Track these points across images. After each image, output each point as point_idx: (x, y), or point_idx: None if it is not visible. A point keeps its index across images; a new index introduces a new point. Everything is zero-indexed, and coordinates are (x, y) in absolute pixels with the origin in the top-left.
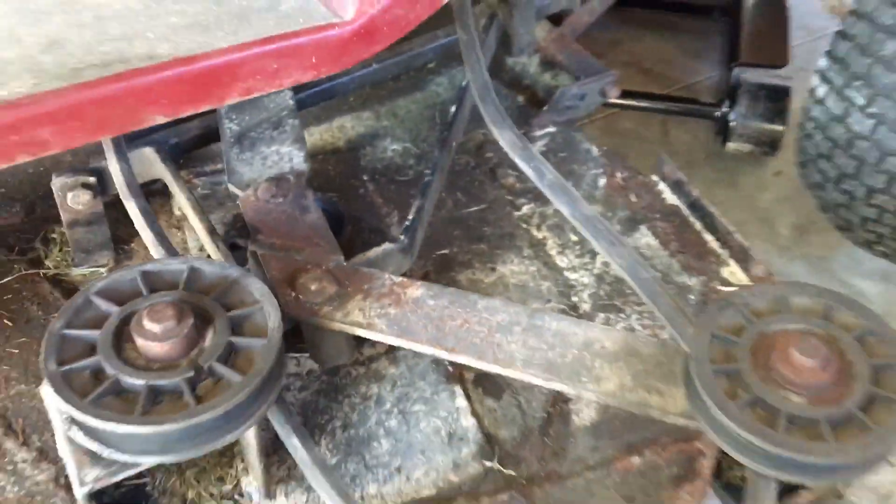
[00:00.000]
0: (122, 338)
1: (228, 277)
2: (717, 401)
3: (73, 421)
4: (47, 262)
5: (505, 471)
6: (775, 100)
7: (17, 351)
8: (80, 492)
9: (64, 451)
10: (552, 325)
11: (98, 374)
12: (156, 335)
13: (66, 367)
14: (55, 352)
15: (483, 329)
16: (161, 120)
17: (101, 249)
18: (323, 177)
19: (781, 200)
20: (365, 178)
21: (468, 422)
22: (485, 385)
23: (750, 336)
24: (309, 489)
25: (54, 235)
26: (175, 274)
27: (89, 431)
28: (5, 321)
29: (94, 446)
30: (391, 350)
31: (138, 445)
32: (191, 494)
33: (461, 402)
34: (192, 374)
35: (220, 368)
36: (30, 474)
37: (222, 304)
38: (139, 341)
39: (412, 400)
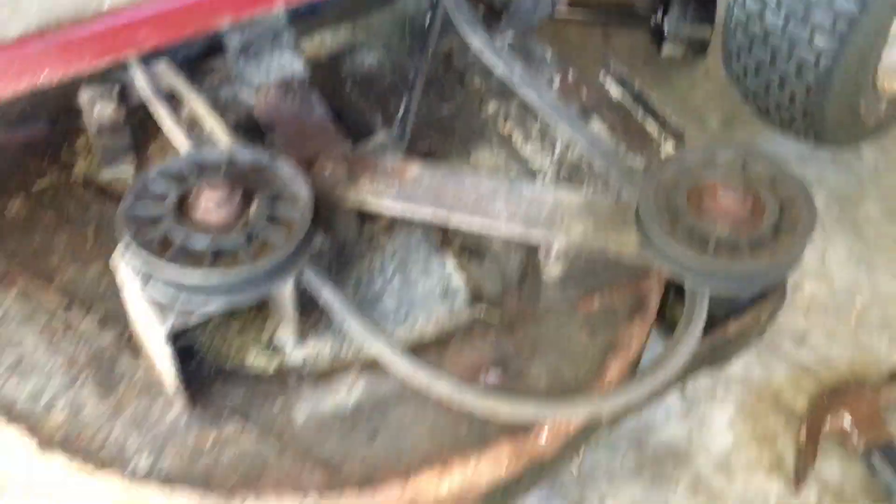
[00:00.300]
0: (181, 211)
1: (262, 161)
2: (662, 233)
3: (149, 278)
4: (76, 168)
5: (490, 316)
6: (703, 6)
7: (64, 241)
8: (161, 334)
9: (140, 307)
10: (528, 191)
11: (166, 241)
12: (213, 205)
13: (140, 236)
14: (128, 224)
15: (472, 195)
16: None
17: (123, 155)
18: None
19: (710, 97)
20: (347, 86)
21: (457, 280)
22: (469, 252)
23: (685, 185)
24: (333, 335)
25: (79, 145)
26: (217, 160)
27: (166, 284)
28: (49, 218)
29: (169, 297)
30: (389, 228)
31: (207, 292)
32: (235, 344)
33: (450, 265)
34: (245, 235)
35: (267, 231)
36: (96, 337)
37: (260, 182)
38: (199, 211)
39: (409, 266)
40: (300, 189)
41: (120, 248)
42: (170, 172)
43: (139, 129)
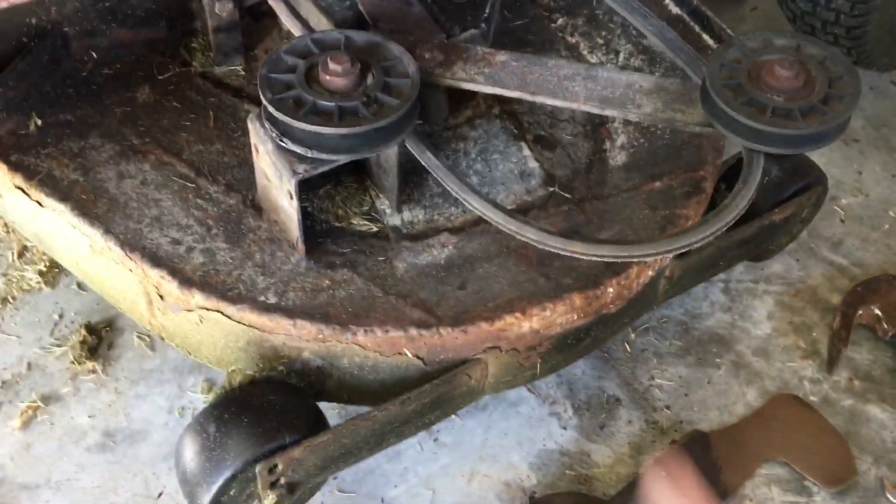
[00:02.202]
0: (309, 79)
1: (374, 41)
2: (726, 101)
3: (283, 132)
4: (194, 63)
5: (563, 194)
6: None
7: (189, 123)
8: (292, 182)
9: (270, 162)
10: (603, 74)
11: (298, 102)
12: (337, 72)
13: (277, 97)
14: (267, 87)
15: (554, 78)
16: None
17: (235, 53)
18: None
19: (756, 30)
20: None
21: (533, 164)
22: (542, 142)
23: (745, 63)
24: (425, 207)
25: (194, 45)
26: (335, 40)
27: (298, 138)
28: (174, 104)
29: (300, 149)
30: (471, 119)
31: (334, 145)
32: (340, 212)
33: (526, 152)
34: (365, 98)
35: (383, 96)
36: (223, 200)
37: (373, 58)
38: (326, 78)
39: (490, 151)
40: (408, 64)
41: (253, 114)
42: (297, 48)
43: (247, 32)
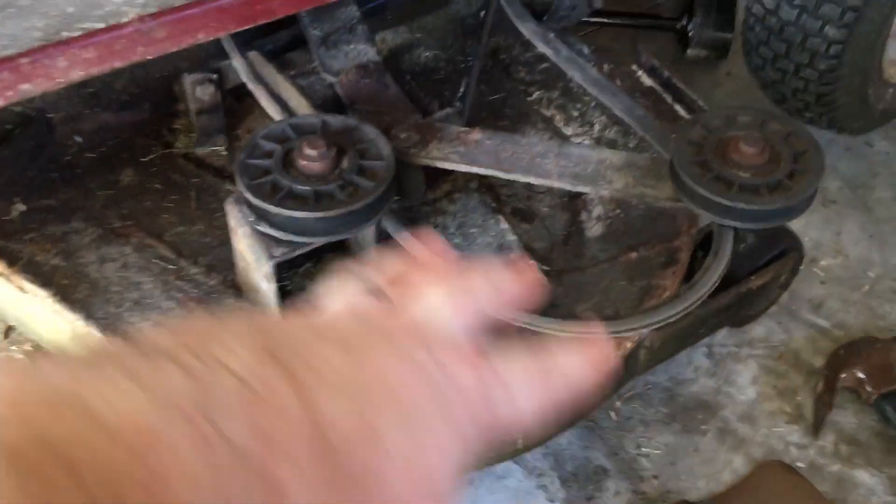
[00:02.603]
0: (286, 164)
1: (350, 124)
2: (694, 178)
3: (260, 216)
4: (177, 145)
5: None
6: (725, 11)
7: (171, 205)
8: (268, 265)
9: (247, 245)
10: (575, 151)
11: (274, 187)
12: (314, 157)
13: (254, 182)
14: (244, 173)
15: (527, 156)
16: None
17: (217, 133)
18: None
19: (732, 94)
20: (407, 77)
21: (511, 237)
22: (520, 214)
23: (711, 140)
24: None
25: (177, 126)
26: (312, 124)
27: (275, 222)
28: (157, 185)
29: (277, 233)
30: (450, 193)
31: (310, 228)
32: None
33: (504, 225)
34: (340, 182)
35: (357, 179)
36: (203, 281)
37: (349, 142)
38: (302, 162)
39: (468, 225)
40: (383, 147)
41: (232, 196)
42: (274, 134)
43: (229, 113)
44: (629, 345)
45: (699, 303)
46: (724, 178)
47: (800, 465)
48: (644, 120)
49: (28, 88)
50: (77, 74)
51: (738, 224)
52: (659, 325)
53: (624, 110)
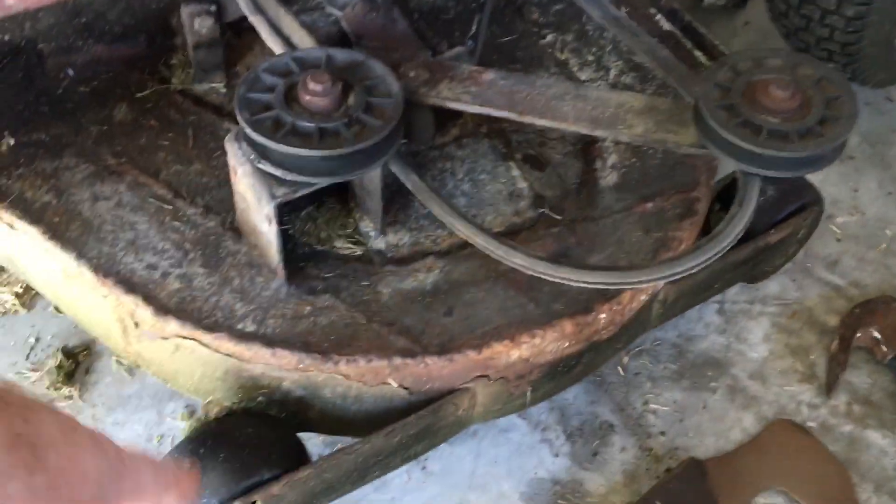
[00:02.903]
0: (288, 99)
1: (356, 59)
2: (721, 123)
3: (261, 154)
4: (173, 80)
5: (553, 215)
6: None
7: (167, 143)
8: (270, 205)
9: (248, 185)
10: (593, 94)
11: (277, 123)
12: (318, 92)
13: (255, 117)
14: (245, 108)
15: (542, 98)
16: None
17: (216, 70)
18: None
19: (749, 45)
20: (415, 16)
21: (522, 184)
22: (531, 161)
23: (739, 83)
24: (410, 229)
25: (174, 61)
26: (316, 58)
27: (277, 160)
28: (152, 122)
29: (279, 172)
30: (458, 138)
31: (314, 168)
32: (322, 235)
33: (515, 172)
34: (346, 119)
35: (365, 117)
36: (201, 223)
37: (355, 77)
38: (306, 98)
39: (478, 171)
40: (391, 84)
41: (231, 133)
42: (277, 67)
43: (228, 48)
44: (643, 297)
45: (721, 254)
46: (752, 123)
47: (811, 424)
48: (668, 61)
49: (13, 3)
50: None
51: (765, 172)
52: (679, 277)
53: (646, 51)
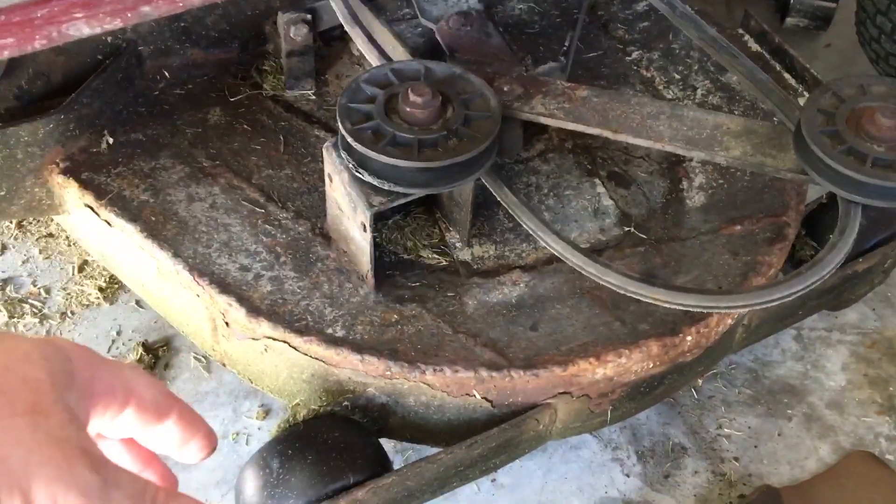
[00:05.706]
0: (387, 110)
1: (453, 72)
2: (824, 149)
3: (361, 164)
4: (265, 86)
5: (639, 234)
6: None
7: (259, 147)
8: (367, 214)
9: (344, 193)
10: (689, 114)
11: (377, 133)
12: (419, 104)
13: (356, 127)
14: (346, 117)
15: (637, 116)
16: None
17: (306, 77)
18: None
19: (831, 69)
20: (500, 30)
21: (608, 202)
22: (616, 178)
23: (843, 110)
24: (495, 242)
25: (265, 67)
26: (415, 71)
27: (376, 170)
28: (245, 126)
29: (376, 182)
30: (543, 153)
31: (411, 179)
32: (409, 244)
33: (601, 189)
34: (445, 132)
35: (464, 130)
36: (292, 227)
37: (453, 91)
38: (406, 109)
39: (563, 187)
40: (490, 98)
41: (329, 142)
42: (376, 78)
43: (317, 57)
44: (730, 321)
45: (820, 283)
46: (856, 150)
47: (889, 458)
48: (767, 84)
49: (148, 11)
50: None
51: (867, 201)
52: (776, 304)
53: (744, 73)
